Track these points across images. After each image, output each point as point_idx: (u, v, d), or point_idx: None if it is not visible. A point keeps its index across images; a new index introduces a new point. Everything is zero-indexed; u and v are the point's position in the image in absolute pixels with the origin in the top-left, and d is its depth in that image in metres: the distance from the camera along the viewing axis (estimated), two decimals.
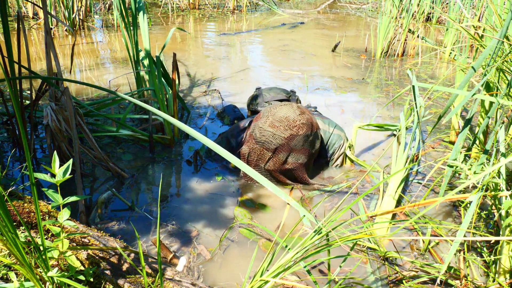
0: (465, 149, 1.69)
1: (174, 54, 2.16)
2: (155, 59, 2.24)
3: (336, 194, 1.85)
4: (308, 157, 1.84)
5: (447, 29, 4.22)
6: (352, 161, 2.11)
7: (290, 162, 1.80)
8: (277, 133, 1.76)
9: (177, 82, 2.66)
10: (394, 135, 2.35)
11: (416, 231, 1.60)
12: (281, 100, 2.39)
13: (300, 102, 2.50)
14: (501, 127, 1.43)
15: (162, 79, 2.33)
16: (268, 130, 1.77)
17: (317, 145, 1.89)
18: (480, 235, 1.47)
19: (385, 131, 2.43)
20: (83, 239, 1.13)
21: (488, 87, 1.69)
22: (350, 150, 2.12)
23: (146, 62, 2.40)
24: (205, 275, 1.36)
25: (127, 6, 2.33)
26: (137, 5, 2.31)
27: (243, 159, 1.86)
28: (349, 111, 2.82)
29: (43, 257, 0.87)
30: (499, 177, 1.34)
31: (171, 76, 2.40)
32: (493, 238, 0.95)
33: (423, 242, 1.51)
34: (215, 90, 3.13)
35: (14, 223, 0.92)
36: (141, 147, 2.22)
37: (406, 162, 1.85)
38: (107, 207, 1.70)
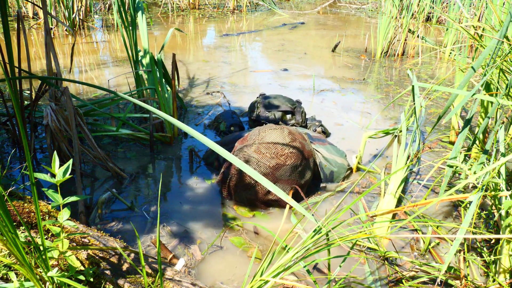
0: (465, 149, 1.69)
1: (174, 55, 2.16)
2: (156, 59, 2.24)
3: (337, 194, 1.85)
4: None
5: (447, 29, 4.22)
6: (358, 169, 2.06)
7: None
8: (262, 160, 1.60)
9: (176, 82, 2.66)
10: (395, 135, 2.35)
11: (416, 230, 1.60)
12: (285, 112, 2.27)
13: (305, 114, 2.37)
14: (501, 127, 1.43)
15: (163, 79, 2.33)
16: (253, 156, 1.61)
17: (308, 175, 1.73)
18: (481, 234, 1.47)
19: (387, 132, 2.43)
20: (83, 239, 1.13)
21: (488, 87, 1.69)
22: (359, 163, 2.05)
23: (145, 62, 2.40)
24: (198, 275, 1.36)
25: (126, 6, 2.33)
26: (135, 5, 2.31)
27: (223, 182, 1.72)
28: (351, 111, 2.82)
29: (43, 257, 0.87)
30: (499, 177, 1.34)
31: (170, 76, 2.40)
32: (493, 236, 0.95)
33: (424, 242, 1.51)
34: (218, 92, 3.12)
35: (14, 223, 0.92)
36: (141, 146, 2.22)
37: (407, 162, 1.85)
38: (108, 207, 1.70)
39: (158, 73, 2.25)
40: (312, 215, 1.09)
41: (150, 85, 2.37)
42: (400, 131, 2.27)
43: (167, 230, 1.57)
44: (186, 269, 1.37)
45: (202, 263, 1.42)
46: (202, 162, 2.08)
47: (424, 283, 1.33)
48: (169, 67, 3.28)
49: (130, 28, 2.35)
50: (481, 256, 1.43)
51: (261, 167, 1.62)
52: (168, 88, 2.47)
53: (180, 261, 1.34)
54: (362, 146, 2.07)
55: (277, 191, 1.12)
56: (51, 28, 4.84)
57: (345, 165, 1.94)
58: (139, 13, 2.33)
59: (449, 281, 1.31)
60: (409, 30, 4.21)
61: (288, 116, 2.30)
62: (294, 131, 1.75)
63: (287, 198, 1.11)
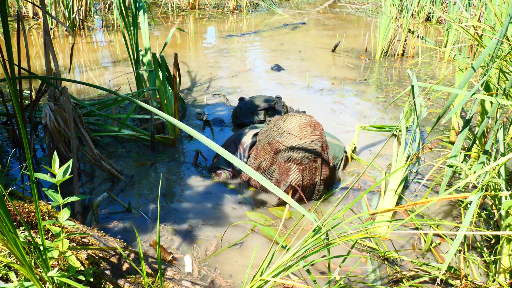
0: (465, 149, 1.69)
1: (176, 54, 2.15)
2: (159, 59, 2.22)
3: (337, 192, 1.85)
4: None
5: (447, 29, 4.22)
6: (354, 159, 2.14)
7: (330, 158, 1.78)
8: (311, 138, 1.67)
9: (178, 82, 2.65)
10: (394, 135, 2.35)
11: (417, 229, 1.60)
12: (266, 109, 2.35)
13: (286, 107, 2.44)
14: (500, 127, 1.43)
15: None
16: (304, 142, 1.66)
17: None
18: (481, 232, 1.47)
19: (384, 131, 2.43)
20: (83, 239, 1.13)
21: (487, 87, 1.69)
22: (353, 152, 2.15)
23: (146, 61, 2.40)
24: (220, 269, 1.36)
25: (127, 5, 2.32)
26: (137, 5, 2.30)
27: (293, 189, 1.71)
28: (351, 111, 2.82)
29: (43, 257, 0.87)
30: (499, 177, 1.34)
31: (172, 76, 2.39)
32: (493, 233, 0.95)
33: (425, 241, 1.51)
34: (220, 94, 3.12)
35: (14, 223, 0.93)
36: (143, 147, 2.22)
37: (406, 161, 1.85)
38: (106, 208, 1.70)
39: (161, 73, 2.22)
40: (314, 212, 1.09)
41: (152, 85, 2.36)
42: (400, 130, 2.28)
43: (167, 230, 1.57)
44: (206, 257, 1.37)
45: (219, 259, 1.41)
46: (208, 163, 2.06)
47: (424, 282, 1.33)
48: (170, 67, 3.28)
49: (131, 27, 2.34)
50: (481, 256, 1.43)
51: (316, 143, 1.67)
52: (170, 89, 2.47)
53: (186, 259, 1.35)
54: (356, 137, 2.20)
55: (275, 190, 1.12)
56: (51, 28, 4.85)
57: (341, 146, 2.05)
58: (141, 12, 2.32)
59: (449, 281, 1.31)
60: (409, 30, 4.21)
61: (270, 113, 2.38)
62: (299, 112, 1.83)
63: (287, 197, 1.11)
